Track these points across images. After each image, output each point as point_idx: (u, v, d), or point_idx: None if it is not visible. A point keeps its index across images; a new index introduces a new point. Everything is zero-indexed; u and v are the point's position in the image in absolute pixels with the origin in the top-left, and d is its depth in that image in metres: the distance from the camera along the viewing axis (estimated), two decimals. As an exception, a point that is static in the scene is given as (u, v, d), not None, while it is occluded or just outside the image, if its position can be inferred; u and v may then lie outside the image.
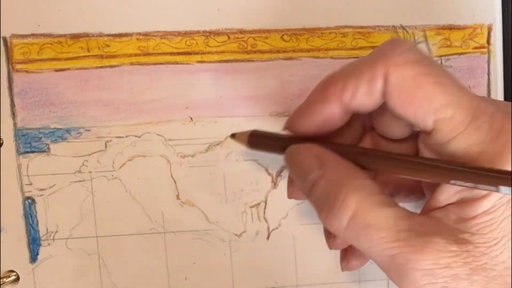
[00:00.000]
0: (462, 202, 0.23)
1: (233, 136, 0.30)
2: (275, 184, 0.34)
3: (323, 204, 0.24)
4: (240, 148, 0.33)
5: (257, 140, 0.29)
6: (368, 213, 0.23)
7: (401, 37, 0.33)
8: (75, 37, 0.32)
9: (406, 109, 0.24)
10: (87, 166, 0.33)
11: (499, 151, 0.22)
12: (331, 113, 0.25)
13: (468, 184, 0.22)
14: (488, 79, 0.33)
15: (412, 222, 0.23)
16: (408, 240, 0.23)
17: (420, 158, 0.25)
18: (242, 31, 0.33)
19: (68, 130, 0.33)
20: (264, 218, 0.34)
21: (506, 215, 0.22)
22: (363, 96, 0.24)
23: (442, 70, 0.24)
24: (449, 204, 0.23)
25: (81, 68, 0.32)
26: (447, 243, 0.22)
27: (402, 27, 0.33)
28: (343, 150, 0.26)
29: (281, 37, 0.33)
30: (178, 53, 0.33)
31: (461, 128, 0.23)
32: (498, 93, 0.33)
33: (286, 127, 0.27)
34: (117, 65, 0.32)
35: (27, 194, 0.33)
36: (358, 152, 0.26)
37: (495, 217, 0.22)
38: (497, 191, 0.21)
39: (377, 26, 0.33)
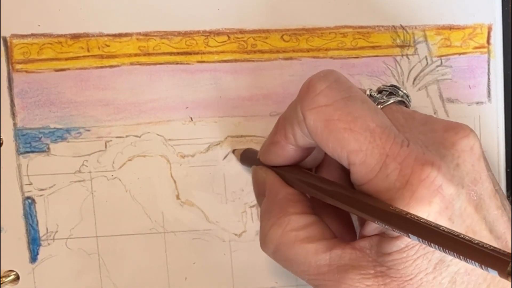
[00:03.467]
0: (382, 237, 0.24)
1: (233, 151, 0.33)
2: (275, 184, 0.34)
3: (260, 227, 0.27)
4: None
5: (244, 158, 0.32)
6: (288, 249, 0.25)
7: (400, 37, 0.33)
8: (75, 37, 0.32)
9: (325, 149, 0.24)
10: (87, 166, 0.33)
11: (406, 201, 0.22)
12: (288, 153, 0.27)
13: (386, 226, 0.22)
14: (488, 79, 0.33)
15: (332, 255, 0.24)
16: (327, 274, 0.24)
17: (351, 193, 0.25)
18: (242, 31, 0.33)
19: (68, 130, 0.33)
20: (264, 218, 0.34)
21: (420, 254, 0.23)
22: (302, 138, 0.26)
23: (355, 113, 0.24)
24: (374, 235, 0.24)
25: (81, 68, 0.32)
26: (363, 277, 0.23)
27: (402, 27, 0.33)
28: (296, 175, 0.27)
29: (281, 37, 0.33)
30: (178, 53, 0.33)
31: (371, 175, 0.23)
32: (498, 93, 0.33)
33: (260, 160, 0.29)
34: (117, 65, 0.32)
35: (27, 194, 0.33)
36: (304, 181, 0.27)
37: (409, 255, 0.23)
38: (408, 237, 0.21)
39: (377, 26, 0.33)
